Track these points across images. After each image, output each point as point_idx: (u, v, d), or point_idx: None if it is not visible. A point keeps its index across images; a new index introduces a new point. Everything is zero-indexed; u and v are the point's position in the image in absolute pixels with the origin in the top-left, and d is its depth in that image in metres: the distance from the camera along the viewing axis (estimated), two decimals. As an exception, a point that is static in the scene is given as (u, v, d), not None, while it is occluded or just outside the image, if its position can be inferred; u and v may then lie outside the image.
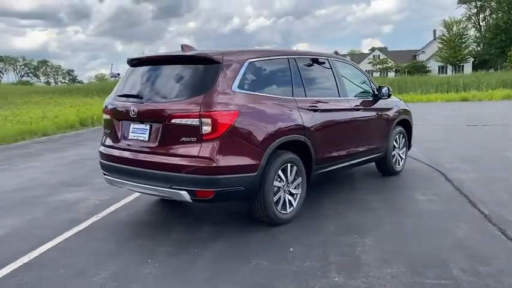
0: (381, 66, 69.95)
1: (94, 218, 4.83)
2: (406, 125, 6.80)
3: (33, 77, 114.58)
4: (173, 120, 3.94)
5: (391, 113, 6.26)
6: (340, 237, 4.17)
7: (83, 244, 4.11)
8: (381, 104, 6.06)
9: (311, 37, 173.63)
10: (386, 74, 67.16)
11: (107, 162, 4.55)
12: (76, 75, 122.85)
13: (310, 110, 4.74)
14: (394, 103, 6.47)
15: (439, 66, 64.60)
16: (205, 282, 3.30)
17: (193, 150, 3.88)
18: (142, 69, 4.51)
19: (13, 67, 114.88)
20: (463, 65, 61.83)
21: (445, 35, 60.87)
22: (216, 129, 3.83)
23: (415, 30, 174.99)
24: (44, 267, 3.59)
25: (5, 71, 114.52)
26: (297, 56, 4.90)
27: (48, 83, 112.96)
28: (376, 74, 67.13)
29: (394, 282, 3.25)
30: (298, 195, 4.66)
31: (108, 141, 4.61)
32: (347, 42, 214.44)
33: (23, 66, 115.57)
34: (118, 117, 4.45)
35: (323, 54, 5.46)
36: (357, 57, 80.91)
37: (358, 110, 5.53)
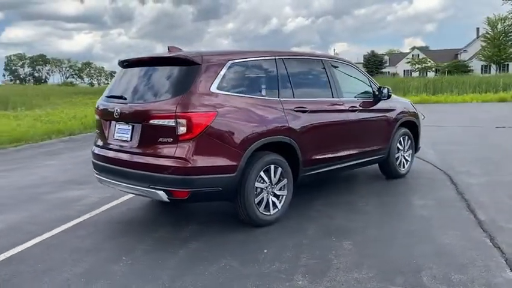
0: (420, 66, 68.12)
1: (86, 216, 4.98)
2: (413, 127, 6.62)
3: (77, 79, 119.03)
4: (151, 121, 4.02)
5: (393, 114, 6.10)
6: (319, 240, 4.12)
7: (67, 241, 4.25)
8: (381, 105, 5.93)
9: (350, 37, 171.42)
10: (426, 73, 65.32)
11: (97, 162, 4.68)
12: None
13: (297, 111, 4.70)
14: (397, 104, 6.31)
15: (482, 66, 62.22)
16: (169, 281, 3.34)
17: (170, 150, 3.94)
18: (130, 71, 4.62)
19: (59, 69, 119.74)
20: (507, 64, 59.32)
21: (488, 33, 58.53)
22: (191, 130, 3.87)
23: (459, 28, 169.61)
24: (22, 262, 3.73)
25: (52, 72, 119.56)
26: (285, 57, 4.87)
27: (91, 84, 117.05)
28: (415, 74, 65.45)
29: (358, 287, 3.19)
30: (284, 196, 4.63)
31: (99, 141, 4.75)
32: (388, 42, 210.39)
33: (68, 68, 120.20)
34: (106, 118, 4.58)
35: (316, 54, 5.41)
36: (395, 57, 79.28)
37: (353, 111, 5.43)
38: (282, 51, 4.98)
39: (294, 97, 4.76)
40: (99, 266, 3.64)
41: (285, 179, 4.61)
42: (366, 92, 5.87)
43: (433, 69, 66.95)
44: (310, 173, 4.92)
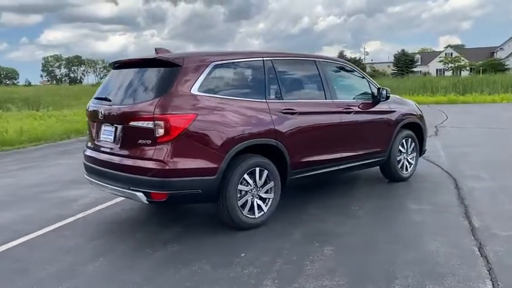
0: (453, 65, 66.27)
1: (79, 215, 5.06)
2: (417, 129, 6.42)
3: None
4: (131, 123, 4.04)
5: (393, 116, 5.93)
6: (301, 244, 4.04)
7: (52, 240, 4.32)
8: (380, 106, 5.77)
9: (383, 35, 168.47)
10: (460, 72, 63.48)
11: (86, 163, 4.74)
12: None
13: (286, 113, 4.63)
14: (399, 105, 6.13)
15: (518, 64, 60.01)
16: (137, 283, 3.34)
17: (149, 152, 3.94)
18: (118, 73, 4.66)
19: (93, 69, 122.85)
20: (546, 63, 57.01)
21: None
22: (169, 132, 3.86)
23: (496, 26, 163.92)
24: (1, 261, 3.82)
25: (86, 73, 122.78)
26: (275, 58, 4.80)
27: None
28: (449, 73, 63.71)
29: (326, 295, 3.11)
30: (271, 199, 4.57)
31: (89, 143, 4.81)
32: (422, 40, 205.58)
33: (102, 69, 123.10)
34: (93, 120, 4.64)
35: (310, 55, 5.31)
36: (427, 56, 77.50)
37: (348, 113, 5.30)
38: (272, 52, 4.91)
39: (282, 99, 4.69)
40: (74, 266, 3.68)
41: (272, 182, 4.55)
42: (363, 94, 5.72)
43: (467, 68, 65.00)
44: (299, 175, 4.84)
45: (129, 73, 4.45)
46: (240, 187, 4.28)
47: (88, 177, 4.71)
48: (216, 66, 4.28)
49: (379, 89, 5.73)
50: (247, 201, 4.37)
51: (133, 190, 4.01)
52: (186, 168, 3.95)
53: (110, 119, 4.32)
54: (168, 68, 4.11)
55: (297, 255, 3.78)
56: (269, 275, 3.41)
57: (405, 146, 6.21)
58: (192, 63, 4.16)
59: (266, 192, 4.53)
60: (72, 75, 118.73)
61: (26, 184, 6.81)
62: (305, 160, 4.83)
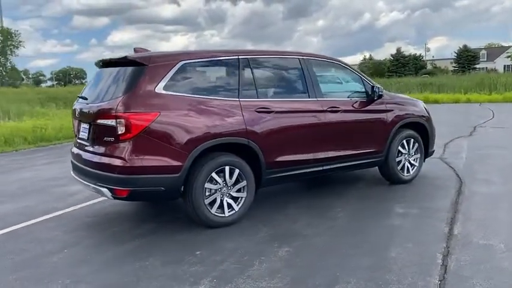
0: (521, 61, 61.95)
1: (70, 209, 5.29)
2: (422, 129, 6.12)
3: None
4: (98, 121, 4.19)
5: (391, 115, 5.68)
6: (260, 244, 4.00)
7: (33, 231, 4.55)
8: (375, 105, 5.55)
9: (449, 30, 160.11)
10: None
11: (71, 160, 4.95)
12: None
13: (260, 112, 4.59)
14: (399, 105, 5.86)
15: None
16: (81, 275, 3.46)
17: (112, 150, 4.06)
18: (100, 72, 4.82)
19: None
20: None
21: None
22: (129, 130, 3.95)
23: None
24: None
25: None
26: (252, 57, 4.77)
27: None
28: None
29: (256, 297, 3.06)
30: (243, 198, 4.55)
31: (74, 140, 5.03)
32: (491, 35, 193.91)
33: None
34: (75, 118, 4.84)
35: (293, 53, 5.20)
36: (494, 51, 73.19)
37: (334, 112, 5.14)
38: (250, 50, 4.89)
39: (258, 98, 4.65)
40: (39, 257, 3.86)
41: (244, 181, 4.52)
42: (356, 92, 5.53)
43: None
44: (276, 175, 4.77)
45: (106, 72, 4.59)
46: (207, 185, 4.30)
47: (72, 174, 4.91)
48: (185, 65, 4.32)
49: (372, 87, 5.52)
50: (216, 199, 4.38)
51: (99, 186, 4.15)
52: (147, 165, 4.03)
53: (84, 117, 4.49)
54: (135, 68, 4.21)
55: (249, 256, 3.74)
56: (211, 274, 3.41)
57: (406, 147, 5.93)
58: (159, 63, 4.22)
59: (238, 191, 4.51)
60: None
61: (41, 178, 7.22)
62: (282, 160, 4.76)
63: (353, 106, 5.39)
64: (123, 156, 3.98)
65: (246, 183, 4.53)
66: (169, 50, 4.75)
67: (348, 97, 5.46)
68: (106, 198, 4.30)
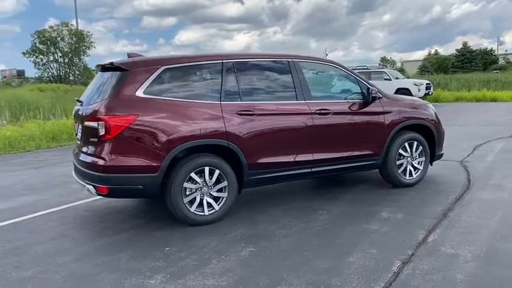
0: None
1: (77, 203, 5.68)
2: (427, 132, 5.94)
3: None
4: (85, 123, 4.51)
5: (388, 117, 5.57)
6: (228, 243, 4.12)
7: (33, 223, 4.95)
8: (372, 107, 5.47)
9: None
10: None
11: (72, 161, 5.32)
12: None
13: (242, 114, 4.70)
14: (400, 106, 5.73)
15: None
16: (59, 264, 3.77)
17: (95, 149, 4.37)
18: (96, 76, 5.16)
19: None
20: None
21: None
22: (109, 132, 4.23)
23: None
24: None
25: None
26: (236, 60, 4.89)
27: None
28: None
29: (198, 293, 3.21)
30: (224, 198, 4.69)
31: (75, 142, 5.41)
32: None
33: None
34: (74, 120, 5.21)
35: (283, 55, 5.24)
36: None
37: (324, 114, 5.13)
38: (236, 54, 5.00)
39: (240, 100, 4.77)
40: (26, 246, 4.23)
41: (225, 181, 4.67)
42: (350, 94, 5.49)
43: None
44: (260, 176, 4.87)
45: (100, 77, 4.91)
46: (186, 185, 4.49)
47: (73, 174, 5.24)
48: (166, 70, 4.53)
49: (368, 88, 5.44)
50: (195, 198, 4.56)
51: (87, 183, 4.48)
52: (125, 165, 4.28)
53: (78, 119, 4.83)
54: (119, 73, 4.48)
55: (212, 254, 3.89)
56: (168, 270, 3.60)
57: (408, 150, 5.79)
58: (140, 68, 4.47)
59: (219, 191, 4.67)
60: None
61: (64, 173, 7.75)
62: (266, 161, 4.84)
63: (345, 108, 5.35)
64: (103, 156, 4.27)
65: (227, 184, 4.67)
66: (153, 56, 4.96)
67: (341, 99, 5.43)
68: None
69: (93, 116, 4.34)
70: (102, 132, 4.25)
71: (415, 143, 5.82)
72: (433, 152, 6.03)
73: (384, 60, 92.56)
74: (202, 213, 4.61)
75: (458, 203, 5.08)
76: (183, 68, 4.67)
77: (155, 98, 4.42)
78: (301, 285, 3.25)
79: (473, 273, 3.35)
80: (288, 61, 5.15)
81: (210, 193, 4.63)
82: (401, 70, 52.69)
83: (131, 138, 4.28)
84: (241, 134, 4.67)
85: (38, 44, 64.97)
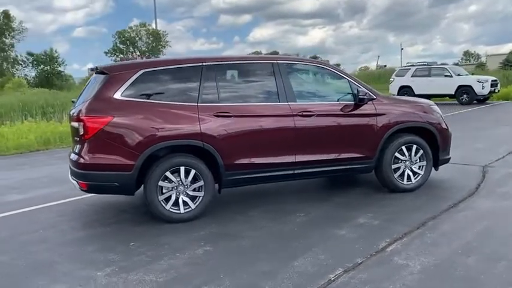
0: None
1: (80, 197, 6.01)
2: (429, 135, 5.66)
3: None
4: (71, 123, 4.86)
5: (382, 119, 5.38)
6: (189, 242, 4.24)
7: (37, 213, 5.41)
8: (363, 109, 5.32)
9: None
10: None
11: None
12: (342, 69, 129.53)
13: (218, 116, 4.81)
14: (396, 108, 5.52)
15: None
16: (31, 252, 4.14)
17: (78, 148, 4.71)
18: (89, 80, 5.48)
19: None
20: None
21: None
22: (86, 132, 4.54)
23: None
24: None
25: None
26: (217, 63, 5.00)
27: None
28: None
29: (127, 285, 3.39)
30: (200, 197, 4.83)
31: None
32: None
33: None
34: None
35: (266, 58, 5.28)
36: None
37: (307, 116, 5.09)
38: (216, 57, 5.11)
39: (218, 102, 4.87)
40: (17, 235, 4.66)
41: (201, 181, 4.81)
42: (340, 96, 5.38)
43: None
44: (238, 177, 4.95)
45: (91, 79, 5.24)
46: (161, 183, 4.68)
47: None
48: (145, 73, 4.75)
49: (358, 90, 5.29)
50: (171, 196, 4.75)
51: (72, 179, 4.84)
52: (101, 163, 4.57)
53: (70, 120, 5.20)
54: (102, 76, 4.78)
55: (168, 251, 4.04)
56: (120, 264, 3.81)
57: (406, 154, 5.55)
58: (119, 71, 4.73)
59: (195, 190, 4.82)
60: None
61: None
62: (244, 162, 4.91)
63: (332, 110, 5.27)
64: (82, 154, 4.59)
65: (203, 183, 4.81)
66: (135, 61, 5.19)
67: (328, 101, 5.35)
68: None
69: (76, 117, 4.67)
70: (81, 132, 4.57)
71: (414, 146, 5.57)
72: (436, 156, 5.72)
73: (467, 54, 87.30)
74: (178, 211, 4.78)
75: (448, 212, 4.82)
76: (162, 71, 4.87)
77: (132, 100, 4.66)
78: (231, 285, 3.31)
79: (408, 285, 3.22)
80: (271, 63, 5.16)
81: (186, 192, 4.79)
82: (481, 65, 49.38)
83: (107, 138, 4.55)
84: (217, 135, 4.78)
85: (118, 44, 69.04)
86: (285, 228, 4.56)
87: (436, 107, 5.90)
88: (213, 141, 4.76)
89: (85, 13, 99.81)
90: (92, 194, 5.84)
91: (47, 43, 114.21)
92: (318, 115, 5.16)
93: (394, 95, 21.36)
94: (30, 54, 56.54)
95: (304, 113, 5.09)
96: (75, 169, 4.70)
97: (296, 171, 5.15)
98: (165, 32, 69.49)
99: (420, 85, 19.84)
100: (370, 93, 5.39)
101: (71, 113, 5.07)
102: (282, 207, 5.22)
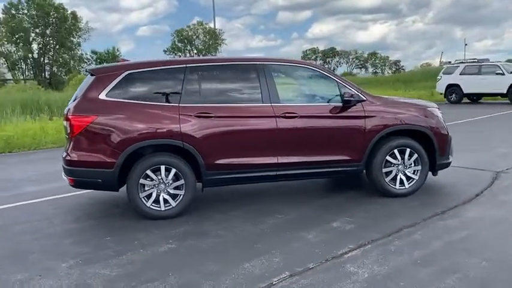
0: None
1: (84, 191, 6.36)
2: (426, 139, 5.44)
3: (362, 69, 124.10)
4: (64, 122, 5.15)
5: (370, 122, 5.24)
6: (158, 239, 4.35)
7: (36, 206, 5.68)
8: (351, 111, 5.21)
9: None
10: None
11: None
12: (402, 66, 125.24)
13: (199, 116, 4.90)
14: (387, 111, 5.34)
15: None
16: (9, 237, 4.47)
17: (67, 146, 4.99)
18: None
19: (346, 60, 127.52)
20: None
21: None
22: (72, 130, 4.80)
23: None
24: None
25: (339, 64, 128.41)
26: (201, 65, 5.11)
27: (375, 73, 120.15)
28: None
29: (69, 276, 3.58)
30: (181, 196, 4.96)
31: None
32: None
33: (354, 59, 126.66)
34: None
35: (249, 59, 5.28)
36: None
37: (289, 117, 5.06)
38: (200, 59, 5.23)
39: (200, 103, 4.97)
40: (8, 225, 4.99)
41: (182, 180, 4.93)
42: (328, 98, 5.30)
43: None
44: (219, 177, 5.03)
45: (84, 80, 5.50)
46: (142, 181, 4.86)
47: None
48: (129, 75, 4.94)
49: (344, 93, 5.18)
50: (152, 194, 4.91)
51: (63, 175, 5.13)
52: (85, 160, 4.82)
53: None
54: (90, 77, 5.03)
55: (135, 247, 4.19)
56: (85, 256, 4.01)
57: (399, 157, 5.37)
58: (105, 73, 4.95)
59: (176, 188, 4.95)
60: (326, 66, 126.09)
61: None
62: (225, 162, 4.97)
63: (317, 112, 5.21)
64: (69, 151, 4.86)
65: (183, 182, 4.93)
66: (123, 63, 5.38)
67: (314, 102, 5.29)
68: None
69: (66, 116, 4.95)
70: (68, 130, 4.85)
71: (408, 150, 5.37)
72: (433, 161, 5.48)
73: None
74: (159, 209, 4.93)
75: (431, 219, 4.63)
76: (146, 73, 5.04)
77: (116, 100, 4.86)
78: (171, 285, 3.41)
79: (344, 293, 3.16)
80: (255, 64, 5.18)
81: (167, 190, 4.94)
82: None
83: (91, 137, 4.79)
84: (197, 136, 4.88)
85: (176, 42, 71.14)
86: (257, 229, 4.58)
87: (435, 110, 5.65)
88: (193, 141, 4.87)
89: (149, 12, 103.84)
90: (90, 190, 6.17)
91: (113, 42, 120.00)
92: (302, 116, 5.12)
93: (441, 93, 20.50)
94: (94, 52, 59.80)
95: (287, 115, 5.06)
96: (64, 165, 4.98)
97: (279, 173, 5.15)
98: (221, 30, 70.75)
99: (469, 83, 18.88)
100: (360, 95, 5.27)
101: (64, 112, 5.38)
102: (265, 207, 5.23)
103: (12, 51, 57.31)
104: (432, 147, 5.45)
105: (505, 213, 4.70)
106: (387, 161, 5.35)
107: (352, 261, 3.69)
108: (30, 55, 58.09)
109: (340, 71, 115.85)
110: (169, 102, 4.93)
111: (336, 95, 5.27)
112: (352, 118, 5.23)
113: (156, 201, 4.93)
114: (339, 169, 5.32)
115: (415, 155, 5.40)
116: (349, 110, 5.22)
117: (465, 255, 3.72)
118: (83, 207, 5.71)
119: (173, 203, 4.95)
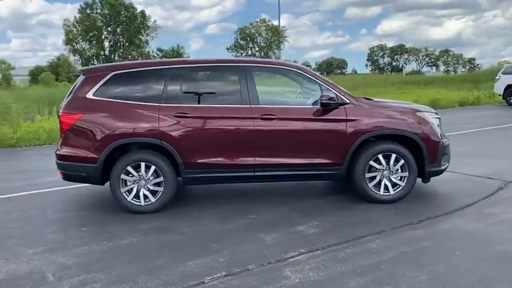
0: None
1: (81, 185, 6.65)
2: (414, 144, 5.24)
3: (432, 67, 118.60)
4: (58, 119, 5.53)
5: (354, 125, 5.13)
6: (127, 233, 4.55)
7: (35, 196, 6.15)
8: (332, 114, 5.13)
9: None
10: None
11: None
12: (477, 64, 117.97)
13: (179, 116, 5.07)
14: (372, 114, 5.20)
15: None
16: (11, 228, 4.88)
17: (58, 141, 5.35)
18: None
19: (415, 57, 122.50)
20: None
21: None
22: (62, 127, 5.16)
23: None
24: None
25: (408, 61, 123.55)
26: (185, 66, 5.27)
27: (447, 71, 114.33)
28: None
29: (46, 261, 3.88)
30: (160, 192, 5.16)
31: None
32: None
33: (424, 56, 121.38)
34: None
35: (231, 61, 5.36)
36: None
37: (267, 119, 5.08)
38: (182, 60, 5.37)
39: (179, 103, 5.14)
40: (6, 212, 5.47)
41: (161, 177, 5.13)
42: (310, 100, 5.27)
43: None
44: (197, 175, 5.18)
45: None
46: (123, 177, 5.11)
47: None
48: (115, 76, 5.20)
49: (324, 95, 5.11)
50: (132, 189, 5.15)
51: (57, 169, 5.52)
52: (72, 155, 5.15)
53: (59, 117, 5.88)
54: (80, 77, 5.36)
55: (102, 238, 4.44)
56: (52, 244, 4.30)
57: (383, 163, 5.21)
58: (93, 73, 5.26)
59: (156, 185, 5.16)
60: (394, 64, 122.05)
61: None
62: (202, 162, 5.11)
63: (297, 114, 5.19)
64: (59, 146, 5.23)
65: (163, 179, 5.13)
66: (115, 63, 5.65)
67: (295, 104, 5.28)
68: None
69: (58, 113, 5.33)
70: (59, 126, 5.21)
71: (393, 155, 5.20)
72: (421, 167, 5.26)
73: None
74: (139, 203, 5.17)
75: (399, 229, 4.46)
76: (131, 74, 5.28)
77: (102, 99, 5.14)
78: (110, 276, 3.60)
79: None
80: (237, 66, 5.26)
81: (147, 186, 5.16)
82: None
83: (77, 133, 5.12)
84: (175, 135, 5.05)
85: (239, 40, 72.23)
86: (224, 227, 4.67)
87: (428, 115, 5.40)
88: (171, 140, 5.04)
89: (218, 10, 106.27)
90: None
91: (183, 39, 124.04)
92: (280, 118, 5.12)
93: (499, 94, 19.23)
94: (159, 50, 62.29)
95: (265, 116, 5.09)
96: (55, 159, 5.36)
97: (257, 174, 5.19)
98: (283, 27, 70.77)
99: (531, 84, 17.53)
100: (343, 98, 5.18)
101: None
102: (243, 207, 5.29)
103: (86, 48, 61.26)
104: (421, 153, 5.23)
105: (481, 227, 4.42)
106: (371, 166, 5.21)
107: (293, 266, 3.68)
108: (102, 52, 61.76)
109: (408, 69, 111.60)
110: (150, 102, 5.14)
111: (319, 98, 5.21)
112: (332, 121, 5.15)
113: (137, 196, 5.16)
114: (319, 172, 5.27)
115: (401, 161, 5.21)
116: (331, 112, 5.14)
117: (410, 268, 3.58)
118: (80, 198, 6.08)
119: (153, 199, 5.16)
